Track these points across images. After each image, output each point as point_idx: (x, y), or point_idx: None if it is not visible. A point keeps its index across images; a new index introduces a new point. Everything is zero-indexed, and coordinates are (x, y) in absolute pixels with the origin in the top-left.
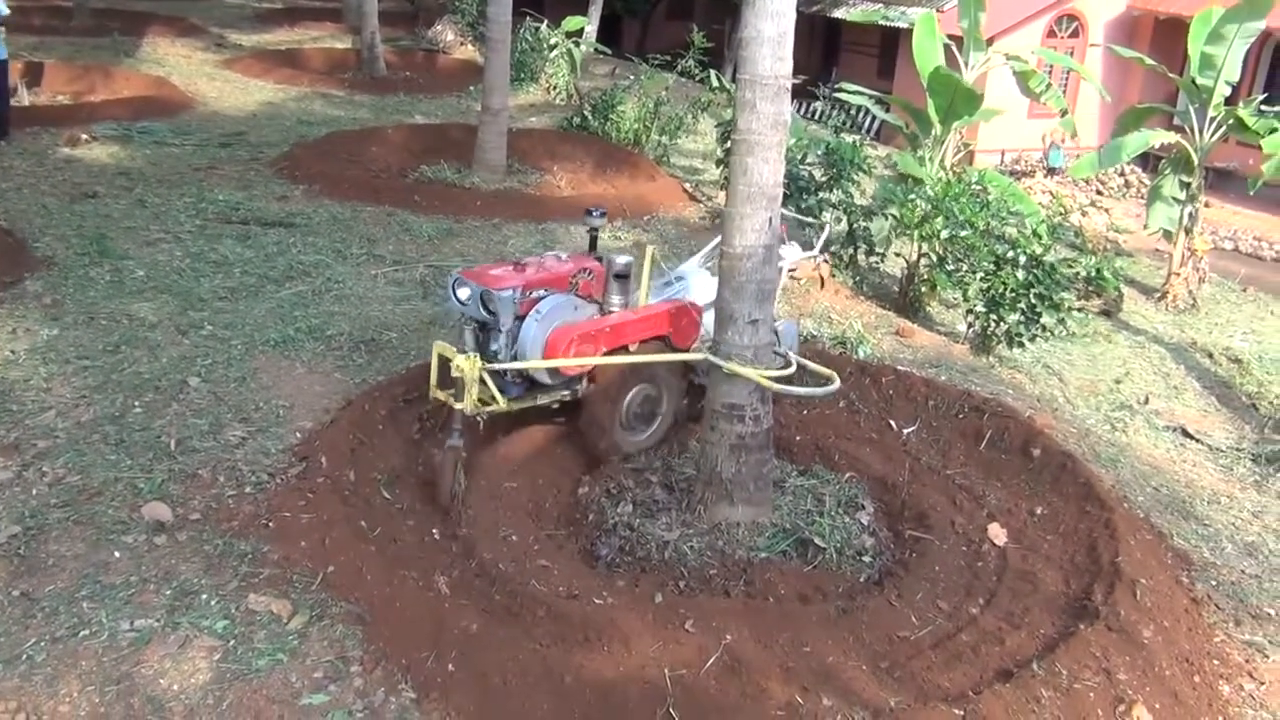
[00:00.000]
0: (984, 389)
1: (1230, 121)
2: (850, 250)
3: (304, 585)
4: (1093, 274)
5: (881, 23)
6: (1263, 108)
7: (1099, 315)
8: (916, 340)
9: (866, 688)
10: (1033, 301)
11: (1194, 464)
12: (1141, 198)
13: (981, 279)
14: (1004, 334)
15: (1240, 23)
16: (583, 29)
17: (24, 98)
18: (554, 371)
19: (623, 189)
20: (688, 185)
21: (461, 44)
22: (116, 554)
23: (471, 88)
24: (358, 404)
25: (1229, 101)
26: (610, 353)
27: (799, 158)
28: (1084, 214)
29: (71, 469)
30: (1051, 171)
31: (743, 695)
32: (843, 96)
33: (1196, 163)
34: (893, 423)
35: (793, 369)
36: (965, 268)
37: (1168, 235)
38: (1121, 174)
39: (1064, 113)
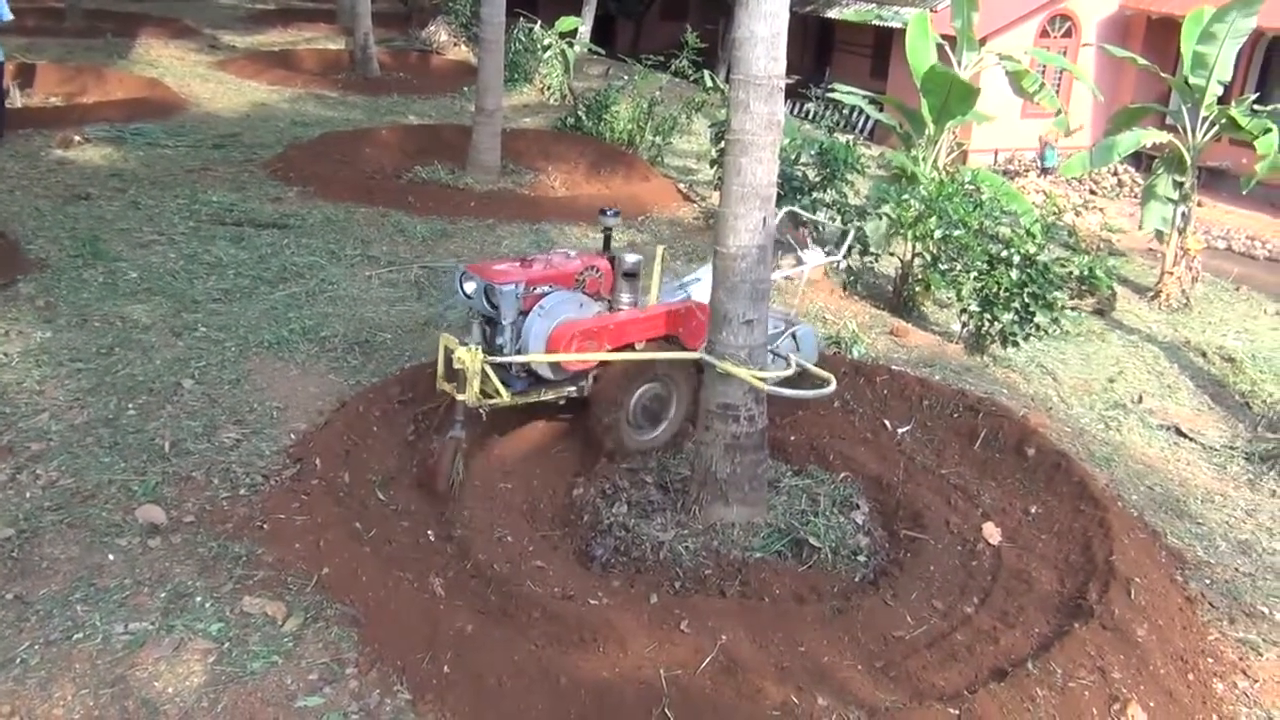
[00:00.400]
0: (978, 388)
1: (1223, 121)
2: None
3: (299, 587)
4: (1086, 273)
5: (875, 23)
6: (1255, 107)
7: (1092, 314)
8: (910, 340)
9: (862, 687)
10: (1026, 301)
11: (1188, 463)
12: (1135, 197)
13: (975, 278)
14: (998, 333)
15: (1232, 22)
16: (576, 29)
17: (16, 99)
18: (557, 367)
19: (617, 189)
20: (682, 185)
21: (455, 44)
22: (110, 557)
23: (465, 88)
24: (352, 405)
25: (1221, 101)
26: (615, 351)
27: (793, 158)
28: (1077, 213)
29: (65, 472)
30: (1045, 171)
31: (738, 695)
32: (836, 96)
33: (1189, 162)
34: (887, 422)
35: (791, 370)
36: (959, 267)
37: (1160, 235)
38: (1115, 173)
39: (1059, 112)
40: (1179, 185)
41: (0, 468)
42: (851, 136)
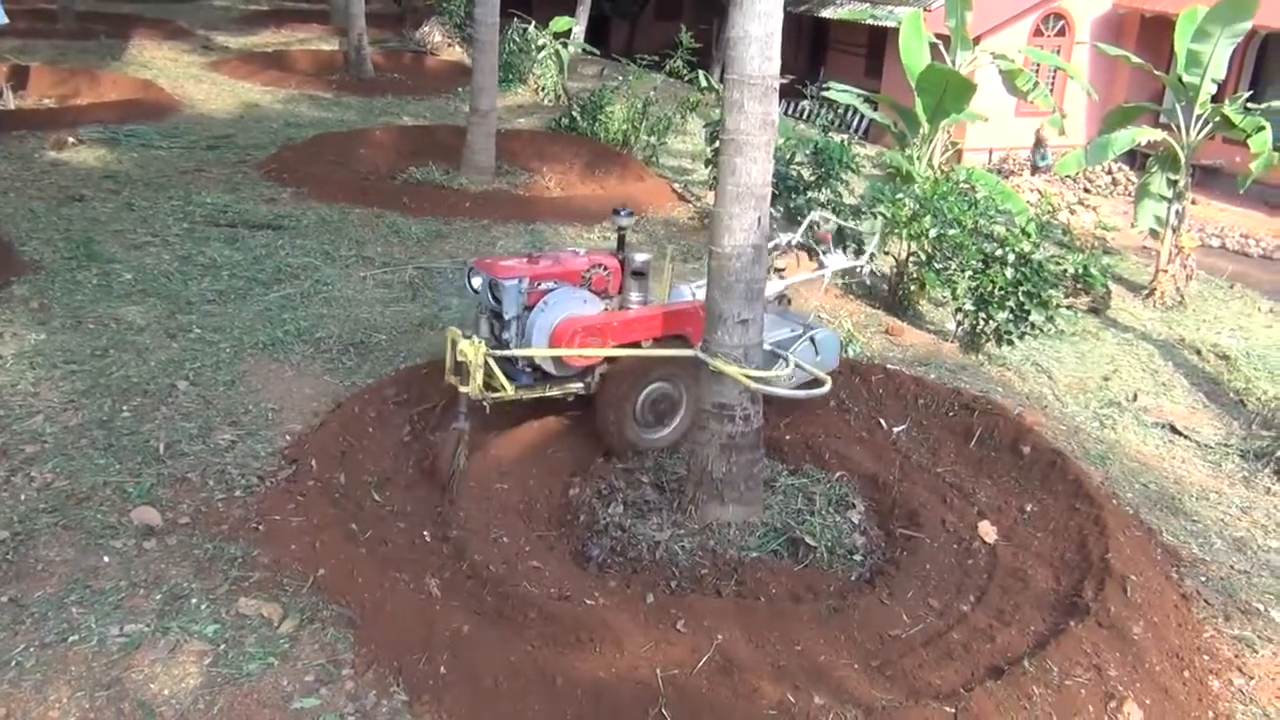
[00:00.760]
0: (973, 387)
1: (1217, 119)
2: (839, 249)
3: (295, 588)
4: (1081, 272)
5: (869, 22)
6: (1249, 105)
7: (1087, 313)
8: (906, 339)
9: (858, 686)
10: (1021, 299)
11: (1182, 460)
12: (1129, 196)
13: (970, 277)
14: (993, 332)
15: (1226, 21)
16: (570, 29)
17: (9, 101)
18: (561, 363)
19: (611, 189)
20: (676, 185)
21: (449, 45)
22: (105, 559)
23: (459, 89)
24: (347, 406)
25: (1215, 99)
26: (620, 349)
27: (787, 157)
28: (1072, 212)
29: (60, 474)
30: (1037, 169)
31: (735, 695)
32: (831, 95)
33: (1183, 160)
34: (883, 421)
35: (790, 370)
36: (954, 266)
37: (1155, 233)
38: (1109, 172)
39: (1054, 111)
40: (1173, 183)
41: None
42: (846, 136)
